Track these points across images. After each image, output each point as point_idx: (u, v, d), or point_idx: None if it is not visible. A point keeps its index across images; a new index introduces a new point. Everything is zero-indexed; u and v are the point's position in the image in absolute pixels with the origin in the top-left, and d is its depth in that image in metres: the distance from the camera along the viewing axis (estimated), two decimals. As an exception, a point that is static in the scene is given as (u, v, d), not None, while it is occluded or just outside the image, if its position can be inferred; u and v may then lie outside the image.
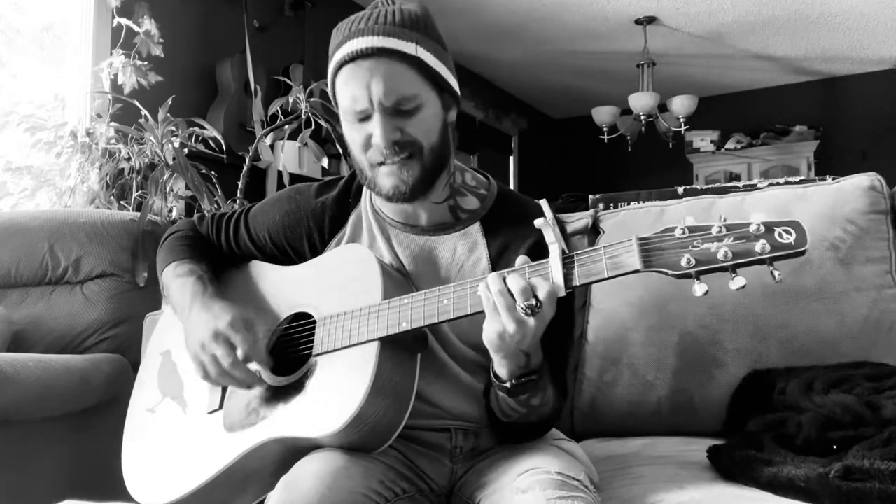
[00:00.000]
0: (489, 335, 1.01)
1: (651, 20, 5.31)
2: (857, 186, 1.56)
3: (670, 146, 5.94)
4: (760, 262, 0.89)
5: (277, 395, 1.15)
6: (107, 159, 2.71)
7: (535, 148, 7.39)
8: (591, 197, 2.30)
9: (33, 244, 2.19)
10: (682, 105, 5.42)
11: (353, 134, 1.15)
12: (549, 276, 0.99)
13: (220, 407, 1.21)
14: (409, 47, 1.10)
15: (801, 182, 1.83)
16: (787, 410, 1.30)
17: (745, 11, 5.19)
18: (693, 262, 0.91)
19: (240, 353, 1.14)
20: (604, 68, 6.25)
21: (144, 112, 2.63)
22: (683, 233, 0.93)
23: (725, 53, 5.99)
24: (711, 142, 6.76)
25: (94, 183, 2.68)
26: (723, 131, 6.77)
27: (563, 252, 0.99)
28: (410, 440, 1.17)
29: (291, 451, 1.10)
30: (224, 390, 1.22)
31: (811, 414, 1.24)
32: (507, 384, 1.05)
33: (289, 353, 1.20)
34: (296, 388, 1.14)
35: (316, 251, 1.28)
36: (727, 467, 1.19)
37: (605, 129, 5.71)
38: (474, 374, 1.20)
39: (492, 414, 1.17)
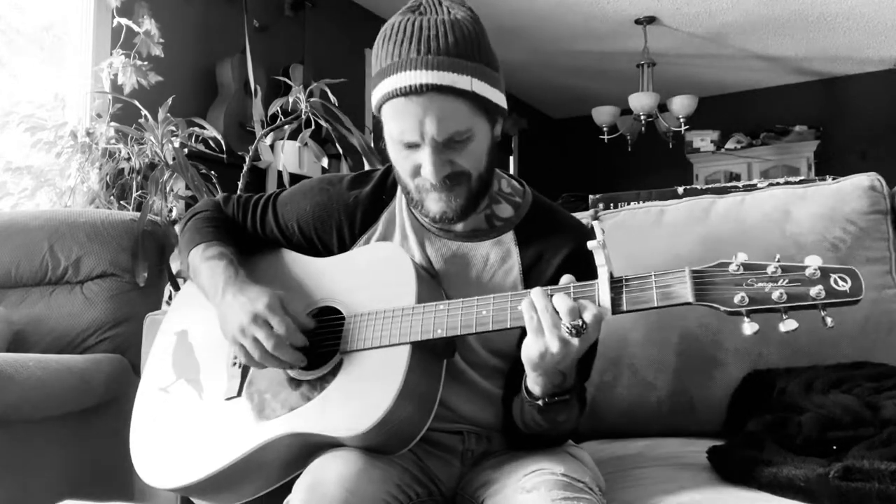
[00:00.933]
0: (530, 353, 0.98)
1: (651, 20, 5.31)
2: (857, 186, 1.56)
3: (670, 146, 5.95)
4: (814, 307, 0.88)
5: (301, 388, 1.13)
6: (107, 159, 2.71)
7: (535, 148, 7.39)
8: (591, 197, 2.29)
9: (33, 244, 2.19)
10: (682, 105, 5.42)
11: (400, 160, 1.12)
12: (596, 299, 0.97)
13: (239, 394, 1.19)
14: (465, 82, 1.05)
15: (801, 182, 1.83)
16: (787, 411, 1.30)
17: (745, 11, 5.19)
18: (747, 300, 0.90)
19: (281, 332, 1.11)
20: (604, 68, 6.25)
21: (144, 112, 2.63)
22: (738, 269, 0.92)
23: (725, 53, 5.99)
24: (711, 142, 6.76)
25: (94, 183, 2.68)
26: (723, 131, 6.77)
27: (612, 276, 0.98)
28: (423, 440, 1.16)
29: (309, 446, 1.10)
30: (244, 377, 1.20)
31: (811, 414, 1.24)
32: (540, 402, 1.04)
33: (314, 346, 1.17)
34: (320, 383, 1.12)
35: (344, 245, 1.25)
36: (727, 468, 1.19)
37: (605, 129, 5.71)
38: (490, 378, 1.19)
39: (511, 423, 1.16)
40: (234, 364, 1.22)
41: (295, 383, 1.14)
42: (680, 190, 2.21)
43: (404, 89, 1.05)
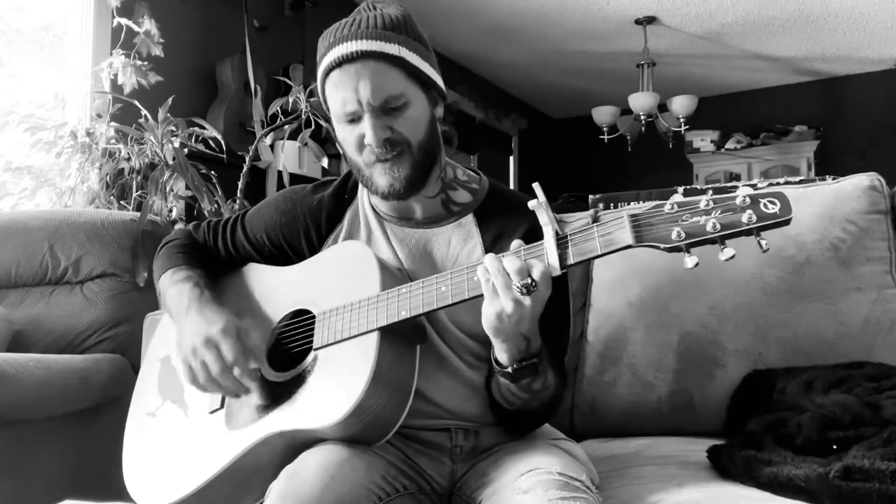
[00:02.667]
0: (488, 316, 1.02)
1: (651, 20, 5.31)
2: (857, 186, 1.56)
3: (670, 146, 5.94)
4: (748, 232, 0.91)
5: (279, 391, 1.15)
6: (107, 159, 2.71)
7: (535, 148, 7.39)
8: (591, 197, 2.29)
9: (33, 244, 2.19)
10: (682, 105, 5.42)
11: (345, 136, 1.18)
12: (545, 257, 1.00)
13: (222, 406, 1.21)
14: (393, 48, 1.14)
15: (801, 182, 1.83)
16: (787, 410, 1.30)
17: (745, 11, 5.19)
18: (683, 234, 0.93)
19: (228, 359, 1.14)
20: (604, 68, 6.25)
21: (144, 112, 2.63)
22: (672, 208, 0.95)
23: (725, 53, 5.99)
24: (711, 142, 6.76)
25: (94, 183, 2.68)
26: (723, 131, 6.77)
27: (557, 233, 1.01)
28: (410, 439, 1.18)
29: (294, 446, 1.10)
30: None
31: (811, 414, 1.24)
32: (509, 369, 1.06)
33: (289, 349, 1.20)
34: (297, 382, 1.14)
35: (314, 248, 1.29)
36: (727, 467, 1.19)
37: (605, 129, 5.71)
38: (473, 368, 1.21)
39: (494, 403, 1.18)
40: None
41: (273, 386, 1.16)
42: (680, 190, 2.21)
43: (338, 59, 1.14)
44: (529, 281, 0.98)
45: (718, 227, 0.91)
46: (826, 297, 1.50)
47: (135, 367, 2.02)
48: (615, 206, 1.93)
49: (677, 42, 5.73)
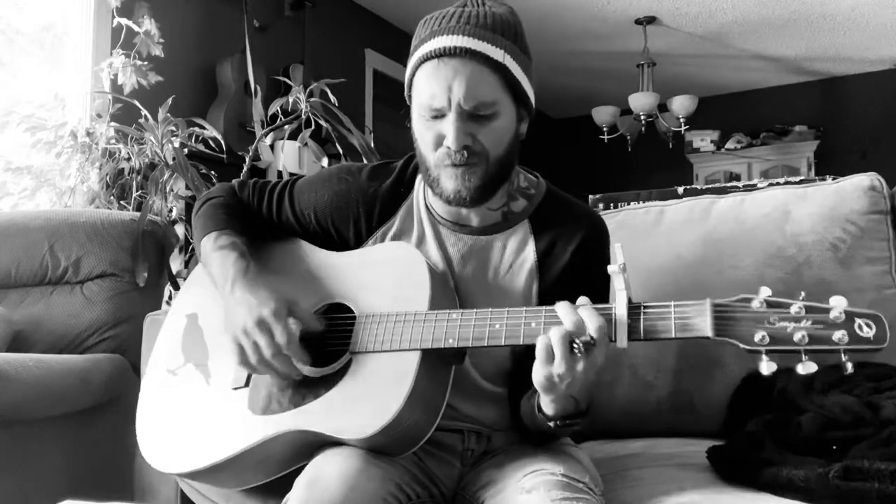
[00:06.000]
0: (538, 376, 0.98)
1: (651, 20, 5.31)
2: (857, 186, 1.56)
3: (670, 146, 5.94)
4: (835, 351, 0.87)
5: (307, 384, 1.13)
6: (107, 159, 2.71)
7: (535, 148, 7.38)
8: (591, 197, 2.29)
9: (33, 244, 2.19)
10: (682, 105, 5.42)
11: (423, 131, 1.13)
12: (613, 323, 0.96)
13: (247, 384, 1.19)
14: (498, 53, 1.08)
15: (801, 182, 1.83)
16: (787, 410, 1.30)
17: (745, 11, 5.19)
18: (767, 339, 0.88)
19: (282, 343, 1.10)
20: (604, 68, 6.25)
21: (144, 112, 2.63)
22: (761, 305, 0.90)
23: (725, 53, 5.99)
24: (711, 142, 6.76)
25: (94, 183, 2.68)
26: (723, 131, 6.77)
27: (630, 301, 0.97)
28: None
29: (311, 444, 1.10)
30: None
31: (811, 414, 1.24)
32: (552, 423, 1.05)
33: (323, 343, 1.17)
34: (328, 381, 1.12)
35: (360, 237, 1.25)
36: (727, 468, 1.19)
37: (605, 129, 5.71)
38: (491, 379, 1.20)
39: (516, 416, 1.17)
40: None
41: (304, 379, 1.14)
42: (680, 190, 2.21)
43: (439, 50, 1.08)
44: (589, 338, 0.94)
45: (807, 339, 0.86)
46: (826, 297, 1.49)
47: (135, 367, 2.02)
48: (615, 206, 1.92)
49: (677, 42, 5.73)
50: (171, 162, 2.56)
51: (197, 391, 1.24)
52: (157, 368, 1.31)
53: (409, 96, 1.16)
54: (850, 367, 0.86)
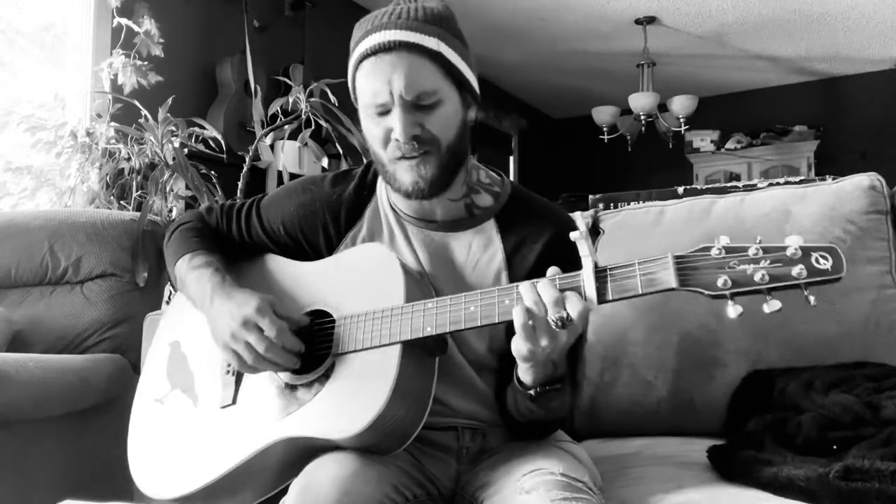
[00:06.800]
0: (519, 348, 0.99)
1: (651, 20, 5.31)
2: (857, 186, 1.56)
3: (670, 146, 5.94)
4: (796, 286, 0.88)
5: (294, 392, 1.14)
6: (107, 159, 2.71)
7: (535, 148, 7.39)
8: (591, 197, 2.29)
9: (33, 244, 2.19)
10: (682, 105, 5.42)
11: (372, 129, 1.15)
12: (582, 290, 0.98)
13: (234, 402, 1.19)
14: (431, 42, 1.10)
15: (801, 182, 1.83)
16: (787, 410, 1.30)
17: (745, 11, 5.19)
18: (729, 283, 0.90)
19: (272, 335, 1.11)
20: (604, 68, 6.25)
21: (144, 112, 2.63)
22: (720, 252, 0.91)
23: (725, 53, 5.99)
24: (711, 142, 6.76)
25: (94, 183, 2.68)
26: (723, 131, 6.77)
27: (596, 266, 0.98)
28: (418, 440, 1.16)
29: (304, 451, 1.10)
30: (238, 385, 1.21)
31: (811, 414, 1.24)
32: (532, 392, 1.05)
33: (306, 350, 1.17)
34: (313, 386, 1.12)
35: (331, 243, 1.26)
36: (727, 467, 1.19)
37: (605, 129, 5.71)
38: (482, 374, 1.20)
39: (506, 413, 1.17)
40: (228, 372, 1.22)
41: (288, 388, 1.15)
42: (680, 190, 2.21)
43: (374, 48, 1.10)
44: (565, 315, 0.96)
45: (767, 278, 0.88)
46: (826, 296, 1.49)
47: (135, 367, 2.02)
48: (615, 206, 1.92)
49: (677, 42, 5.73)
50: (171, 162, 2.56)
51: (186, 415, 1.24)
52: (143, 400, 1.33)
53: (355, 98, 1.18)
54: (812, 300, 0.88)
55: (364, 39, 1.12)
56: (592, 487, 1.06)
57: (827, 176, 1.89)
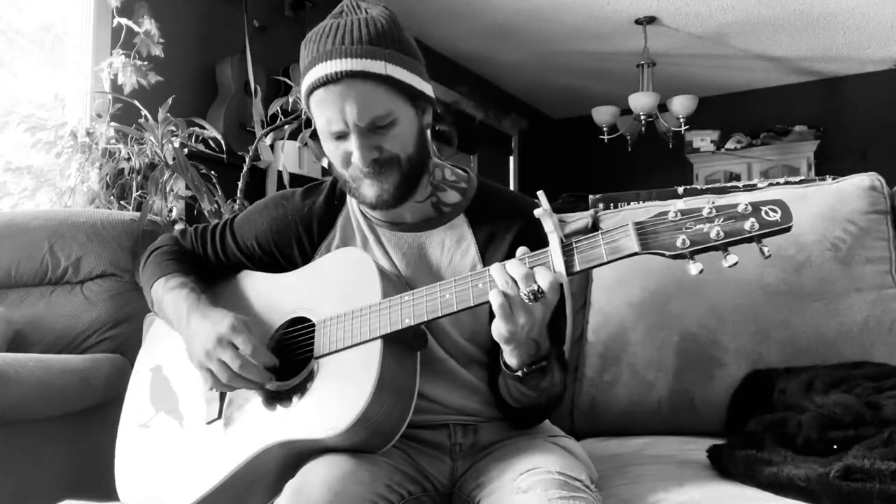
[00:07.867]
0: (500, 330, 1.02)
1: (651, 20, 5.30)
2: (857, 186, 1.56)
3: (670, 146, 5.94)
4: (750, 239, 0.93)
5: (279, 399, 1.14)
6: (107, 159, 2.71)
7: (535, 148, 7.39)
8: (591, 197, 2.30)
9: (33, 244, 2.19)
10: (682, 105, 5.42)
11: (332, 150, 1.17)
12: (550, 264, 1.00)
13: (219, 416, 1.20)
14: (379, 66, 1.10)
15: (801, 182, 1.84)
16: (787, 410, 1.30)
17: (746, 11, 5.19)
18: (688, 242, 0.94)
19: (247, 352, 1.13)
20: (604, 68, 6.25)
21: (144, 112, 2.63)
22: (676, 216, 0.96)
23: (725, 53, 5.99)
24: (711, 142, 6.76)
25: (94, 183, 2.68)
26: (723, 131, 6.77)
27: (562, 240, 1.01)
28: (410, 438, 1.17)
29: (296, 455, 1.10)
30: (222, 399, 1.21)
31: (811, 414, 1.24)
32: (519, 373, 1.07)
33: (288, 357, 1.19)
34: (298, 391, 1.13)
35: (306, 255, 1.28)
36: (727, 467, 1.19)
37: (605, 129, 5.71)
38: (469, 367, 1.21)
39: (501, 401, 1.18)
40: (211, 388, 1.22)
41: (273, 395, 1.15)
42: (680, 190, 2.21)
43: (322, 79, 1.10)
44: (536, 287, 0.98)
45: (722, 234, 0.93)
46: (826, 297, 1.50)
47: (135, 367, 2.02)
48: (615, 206, 1.93)
49: (677, 42, 5.73)
50: (171, 162, 2.56)
51: (172, 436, 1.25)
52: (129, 426, 1.34)
53: (313, 121, 1.19)
54: (766, 251, 0.93)
55: (312, 69, 1.12)
56: (590, 485, 1.06)
57: (827, 176, 1.89)
